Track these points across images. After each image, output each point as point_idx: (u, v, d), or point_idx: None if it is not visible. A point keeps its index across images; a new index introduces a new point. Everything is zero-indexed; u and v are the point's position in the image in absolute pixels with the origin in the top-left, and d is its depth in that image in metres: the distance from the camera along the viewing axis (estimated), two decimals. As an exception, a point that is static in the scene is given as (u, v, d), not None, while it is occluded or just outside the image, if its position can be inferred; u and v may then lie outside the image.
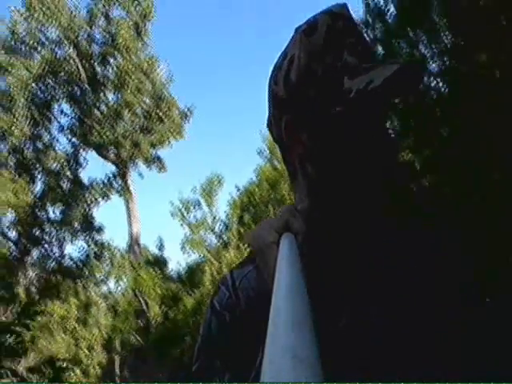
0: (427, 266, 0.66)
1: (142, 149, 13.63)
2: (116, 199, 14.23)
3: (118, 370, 9.62)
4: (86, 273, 12.44)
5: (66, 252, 13.27)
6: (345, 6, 0.74)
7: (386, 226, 0.70)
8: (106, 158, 14.15)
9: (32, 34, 14.77)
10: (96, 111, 14.03)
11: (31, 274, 11.09)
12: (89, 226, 13.50)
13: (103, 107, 14.14)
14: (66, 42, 14.76)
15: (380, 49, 7.43)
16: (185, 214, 10.97)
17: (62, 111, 14.60)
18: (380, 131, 0.70)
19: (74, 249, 13.12)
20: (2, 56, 14.33)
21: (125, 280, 12.32)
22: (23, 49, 14.80)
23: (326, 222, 0.70)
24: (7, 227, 12.56)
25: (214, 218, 10.98)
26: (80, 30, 14.84)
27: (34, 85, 14.26)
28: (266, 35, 34.29)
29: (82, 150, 14.26)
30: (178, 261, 25.10)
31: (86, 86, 14.43)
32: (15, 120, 13.42)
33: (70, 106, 14.52)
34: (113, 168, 14.32)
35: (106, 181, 13.94)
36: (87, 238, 13.51)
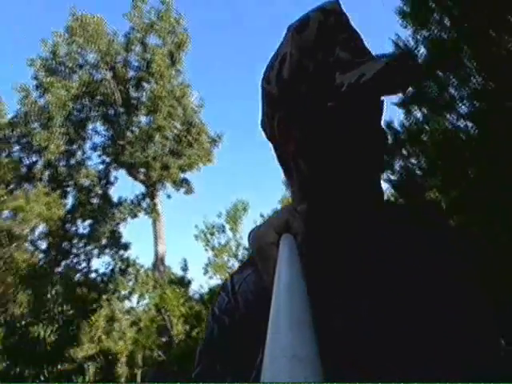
0: (426, 265, 0.66)
1: (171, 171, 14.04)
2: (143, 218, 14.60)
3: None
4: (111, 287, 12.70)
5: (92, 266, 13.59)
6: (337, 2, 0.73)
7: (383, 224, 0.70)
8: (135, 177, 14.61)
9: (72, 56, 15.48)
10: (128, 133, 14.57)
11: (58, 286, 11.40)
12: (116, 243, 13.85)
13: (135, 129, 14.69)
14: (103, 66, 15.42)
15: (410, 88, 7.72)
16: (209, 238, 11.20)
17: (96, 131, 15.21)
18: (372, 126, 0.70)
19: (101, 263, 13.39)
20: (43, 76, 15.02)
21: (147, 297, 12.53)
22: (63, 70, 15.49)
23: (326, 222, 0.70)
24: (38, 238, 12.95)
25: (238, 244, 11.19)
26: (117, 55, 15.52)
27: (71, 104, 14.88)
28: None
29: (112, 169, 14.75)
30: (200, 284, 25.25)
31: (120, 108, 15.01)
32: (52, 136, 13.98)
33: (104, 126, 15.10)
34: (142, 188, 14.77)
35: (134, 200, 14.34)
36: (113, 253, 13.85)
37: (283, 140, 0.74)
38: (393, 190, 6.23)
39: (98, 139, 15.32)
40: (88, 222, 13.88)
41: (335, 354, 0.54)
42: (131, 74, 15.60)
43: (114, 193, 16.04)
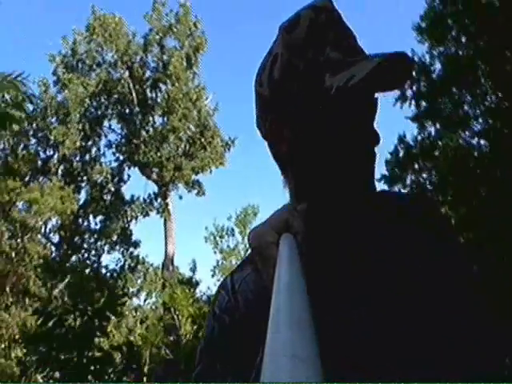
0: (424, 265, 0.66)
1: (184, 173, 14.22)
2: (154, 217, 14.79)
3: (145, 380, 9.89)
4: (120, 284, 12.87)
5: (102, 262, 13.79)
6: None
7: (381, 223, 0.70)
8: (148, 177, 14.80)
9: (91, 54, 15.72)
10: (143, 132, 14.78)
11: (68, 278, 11.63)
12: (126, 240, 14.04)
13: (150, 129, 14.89)
14: (121, 65, 15.64)
15: (423, 103, 7.79)
16: (218, 241, 11.34)
17: (111, 128, 15.46)
18: (364, 124, 0.69)
19: (110, 260, 13.60)
20: (62, 72, 15.28)
21: (153, 295, 12.68)
22: (82, 67, 15.74)
23: (325, 221, 0.70)
24: (50, 231, 13.19)
25: (247, 247, 11.27)
26: (135, 55, 15.74)
27: (88, 101, 15.11)
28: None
29: (126, 167, 14.98)
30: (208, 286, 25.45)
31: (136, 107, 15.22)
32: (68, 132, 14.23)
33: (119, 125, 15.33)
34: (154, 187, 14.98)
35: (147, 199, 14.55)
36: (124, 250, 14.04)
37: (276, 140, 0.74)
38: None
39: (112, 137, 15.58)
40: (100, 217, 14.10)
41: (335, 353, 0.54)
42: (148, 74, 15.80)
43: (127, 191, 16.24)
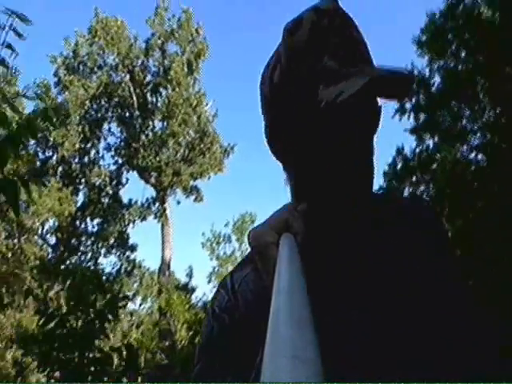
0: (422, 266, 0.67)
1: (182, 178, 14.25)
2: (151, 221, 14.81)
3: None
4: (116, 288, 12.85)
5: (99, 265, 13.76)
6: (334, 1, 0.70)
7: (379, 225, 0.71)
8: (147, 181, 14.83)
9: (92, 57, 15.75)
10: (143, 136, 14.82)
11: (66, 280, 11.57)
12: (123, 243, 14.04)
13: (150, 133, 14.93)
14: (122, 69, 15.69)
15: (422, 116, 7.87)
16: (215, 247, 11.36)
17: (111, 131, 15.49)
18: (362, 131, 0.69)
19: (107, 263, 13.59)
20: (63, 73, 15.32)
21: (149, 300, 12.68)
22: (83, 69, 15.78)
23: (325, 222, 0.70)
24: (47, 232, 13.17)
25: (243, 255, 11.28)
26: (136, 59, 15.79)
27: (88, 103, 15.15)
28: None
29: (124, 170, 15.00)
30: (204, 292, 25.42)
31: (136, 111, 15.27)
32: (68, 134, 14.25)
33: (119, 128, 15.37)
34: (152, 191, 15.01)
35: (144, 203, 14.56)
36: (120, 254, 14.04)
37: (274, 140, 0.75)
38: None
39: (112, 140, 15.60)
40: (97, 220, 14.11)
41: (335, 353, 0.53)
42: (149, 78, 15.84)
43: (125, 194, 16.24)
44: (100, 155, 15.07)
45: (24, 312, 10.85)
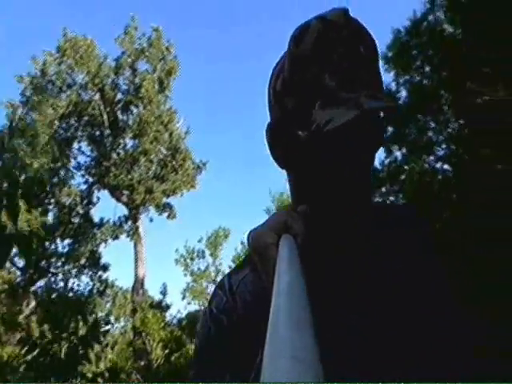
0: (421, 270, 0.68)
1: (155, 195, 14.15)
2: (124, 240, 14.59)
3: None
4: (88, 309, 12.55)
5: (70, 286, 13.43)
6: (344, 11, 0.68)
7: (378, 227, 0.71)
8: (118, 199, 14.65)
9: (61, 76, 15.61)
10: (114, 154, 14.69)
11: (34, 303, 11.27)
12: (95, 263, 13.78)
13: (121, 152, 14.82)
14: (92, 87, 15.58)
15: (390, 128, 8.07)
16: (189, 263, 11.27)
17: (81, 150, 15.30)
18: (358, 148, 0.69)
19: (79, 284, 13.28)
20: (31, 93, 15.11)
21: (122, 320, 12.42)
22: (51, 88, 15.60)
23: (325, 223, 0.70)
24: (16, 256, 12.80)
25: (218, 270, 11.27)
26: (106, 78, 15.73)
27: (57, 123, 14.94)
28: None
29: (95, 189, 14.79)
30: (178, 309, 25.11)
31: (107, 130, 15.15)
32: (36, 154, 14.01)
33: (90, 147, 15.20)
34: (124, 210, 14.82)
35: (116, 222, 14.36)
36: (92, 274, 13.76)
37: (274, 147, 0.76)
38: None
39: (82, 159, 15.41)
40: (68, 240, 13.82)
41: (335, 354, 0.54)
42: (119, 96, 15.78)
43: (96, 213, 16.00)
44: (70, 175, 14.84)
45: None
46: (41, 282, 12.92)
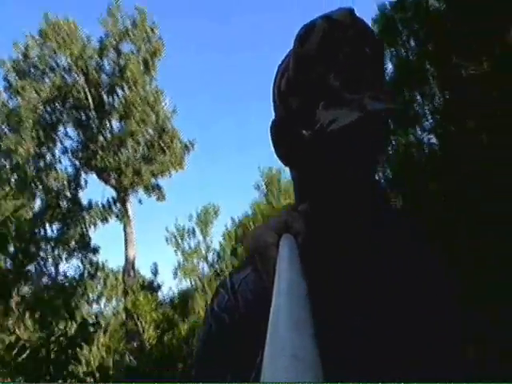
0: (424, 269, 0.68)
1: (143, 177, 14.09)
2: (113, 222, 14.57)
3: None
4: (80, 291, 12.57)
5: (60, 270, 13.42)
6: (349, 10, 0.68)
7: (381, 227, 0.71)
8: (106, 182, 14.57)
9: (44, 59, 15.34)
10: (100, 137, 14.55)
11: (26, 288, 11.24)
12: (85, 246, 13.74)
13: (108, 134, 14.68)
14: (75, 70, 15.34)
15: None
16: (179, 241, 11.30)
17: (67, 134, 15.13)
18: (363, 147, 0.68)
19: (69, 267, 13.27)
20: (14, 78, 14.84)
21: (114, 301, 12.49)
22: (34, 73, 15.33)
23: (326, 222, 0.70)
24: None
25: (208, 247, 11.33)
26: (90, 60, 15.48)
27: (42, 107, 14.73)
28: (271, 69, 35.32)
29: (83, 173, 14.69)
30: (170, 287, 25.24)
31: (93, 112, 14.97)
32: (21, 139, 13.83)
33: (76, 130, 15.03)
34: (112, 192, 14.76)
35: (105, 204, 14.30)
36: (82, 257, 13.74)
37: (277, 141, 0.75)
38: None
39: (68, 143, 15.25)
40: (56, 225, 13.74)
41: (342, 358, 0.55)
42: (104, 78, 15.57)
43: (84, 196, 15.89)
44: (56, 159, 14.69)
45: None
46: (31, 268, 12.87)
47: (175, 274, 11.11)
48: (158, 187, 14.67)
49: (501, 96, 6.08)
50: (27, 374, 4.42)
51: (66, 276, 12.93)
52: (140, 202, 14.88)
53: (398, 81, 7.76)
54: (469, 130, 6.67)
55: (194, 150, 14.74)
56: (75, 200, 14.19)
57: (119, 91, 15.22)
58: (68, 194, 14.11)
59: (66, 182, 14.15)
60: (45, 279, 12.53)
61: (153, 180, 14.47)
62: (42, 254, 13.06)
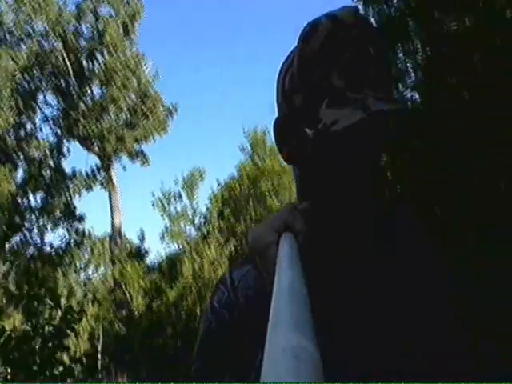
0: (426, 266, 0.68)
1: (127, 143, 13.92)
2: (98, 189, 14.47)
3: (100, 358, 9.81)
4: (67, 260, 12.57)
5: (46, 240, 13.39)
6: (354, 10, 0.68)
7: (381, 226, 0.70)
8: (89, 150, 14.39)
9: (20, 25, 14.86)
10: (81, 104, 14.27)
11: (12, 259, 11.22)
12: (70, 215, 13.67)
13: (89, 101, 14.40)
14: (53, 35, 14.91)
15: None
16: (166, 206, 11.29)
17: (46, 102, 14.80)
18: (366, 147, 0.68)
19: (55, 237, 13.23)
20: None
21: (102, 268, 12.55)
22: (10, 40, 14.88)
23: (328, 221, 0.70)
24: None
25: (195, 210, 11.34)
26: (68, 25, 15.04)
27: (19, 75, 14.36)
28: (257, 35, 34.79)
29: (65, 141, 14.46)
30: (157, 251, 25.43)
31: (72, 79, 14.64)
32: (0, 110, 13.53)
33: (56, 98, 14.71)
34: (96, 159, 14.59)
35: (89, 172, 14.17)
36: (68, 226, 13.69)
37: (280, 139, 0.75)
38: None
39: (49, 111, 14.94)
40: (40, 194, 13.61)
41: (342, 358, 0.55)
42: (83, 44, 15.19)
43: (68, 165, 15.72)
44: (37, 128, 14.40)
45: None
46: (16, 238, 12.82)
47: (162, 238, 11.13)
48: (141, 153, 14.55)
49: (482, 52, 6.02)
50: (13, 364, 4.46)
51: (52, 246, 12.92)
52: (124, 168, 14.80)
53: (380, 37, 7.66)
54: (450, 85, 6.62)
55: (178, 113, 14.56)
56: (58, 169, 14.02)
57: (99, 56, 14.88)
58: (51, 162, 13.92)
59: (48, 151, 13.94)
60: (31, 249, 12.52)
61: (136, 146, 14.30)
62: (26, 224, 13.01)
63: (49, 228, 13.38)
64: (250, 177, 10.77)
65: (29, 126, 14.39)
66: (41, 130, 14.47)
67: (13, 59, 14.39)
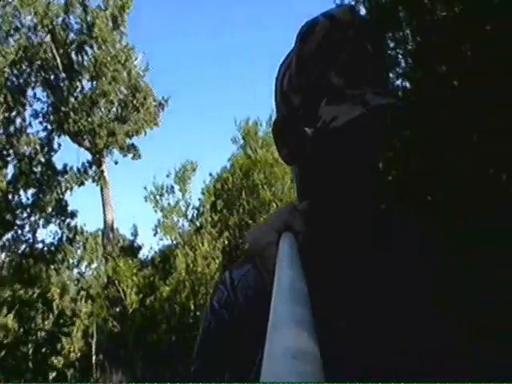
0: (427, 266, 0.68)
1: (118, 138, 13.81)
2: (90, 184, 14.37)
3: (94, 355, 9.80)
4: (59, 257, 12.52)
5: (38, 236, 13.31)
6: (351, 9, 0.69)
7: (383, 225, 0.70)
8: (80, 145, 14.26)
9: (7, 19, 14.66)
10: (71, 99, 14.11)
11: (3, 257, 11.14)
12: (62, 211, 13.57)
13: (79, 95, 14.25)
14: (41, 29, 14.72)
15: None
16: (158, 199, 11.24)
17: (36, 97, 14.64)
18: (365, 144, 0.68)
19: (47, 233, 13.14)
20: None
21: (95, 264, 12.53)
22: (-2, 34, 14.68)
23: (327, 221, 0.69)
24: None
25: (187, 203, 11.28)
26: (56, 18, 14.84)
27: (8, 70, 14.18)
28: (247, 28, 34.58)
29: (55, 136, 14.33)
30: (151, 245, 25.42)
31: (62, 73, 14.47)
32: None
33: (45, 92, 14.55)
34: (87, 154, 14.48)
35: (81, 168, 14.06)
36: (60, 222, 13.59)
37: (279, 139, 0.75)
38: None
39: (38, 106, 14.78)
40: (31, 191, 13.50)
41: (342, 358, 0.55)
42: (72, 37, 14.99)
43: (59, 160, 15.58)
44: (27, 123, 14.24)
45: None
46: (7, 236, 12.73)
47: (155, 231, 11.09)
48: (133, 146, 14.43)
49: (471, 39, 5.97)
50: (7, 370, 4.44)
51: (44, 243, 12.85)
52: (116, 162, 14.70)
53: (370, 24, 7.59)
54: (439, 74, 6.58)
55: (169, 106, 14.45)
56: (49, 165, 13.89)
57: (88, 50, 14.70)
58: (42, 158, 13.79)
59: (38, 147, 13.80)
60: (23, 247, 12.45)
61: (128, 140, 14.20)
62: (18, 221, 12.92)
63: (41, 224, 13.32)
64: (242, 168, 10.70)
65: (18, 121, 14.25)
66: (31, 125, 14.34)
67: (1, 54, 14.21)
